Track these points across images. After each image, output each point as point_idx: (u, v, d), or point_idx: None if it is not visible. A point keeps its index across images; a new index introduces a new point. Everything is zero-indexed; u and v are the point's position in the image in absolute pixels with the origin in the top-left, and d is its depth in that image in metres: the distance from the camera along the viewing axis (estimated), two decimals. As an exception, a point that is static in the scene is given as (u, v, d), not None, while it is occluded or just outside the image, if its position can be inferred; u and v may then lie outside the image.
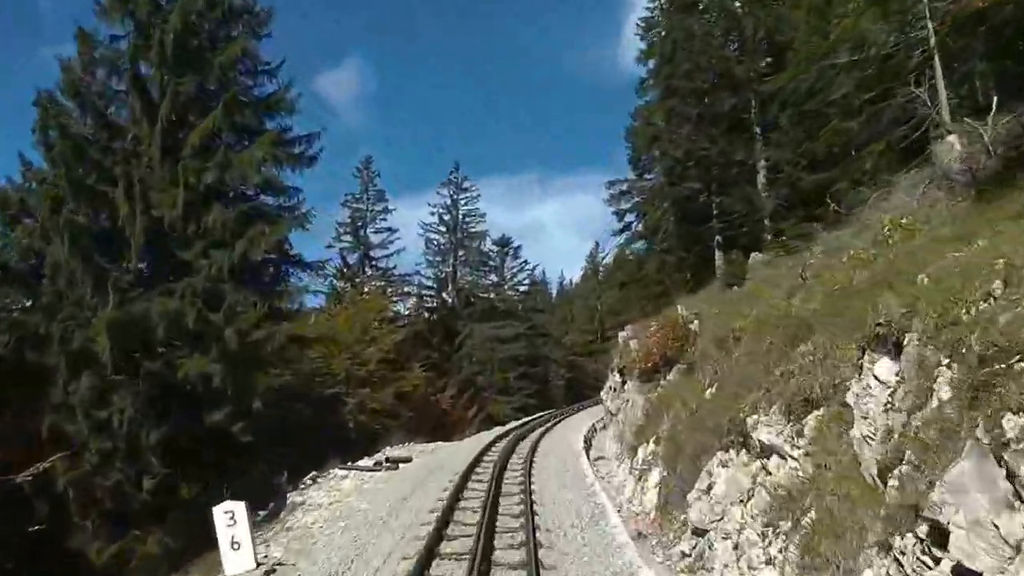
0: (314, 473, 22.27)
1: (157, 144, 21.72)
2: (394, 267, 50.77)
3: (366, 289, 47.77)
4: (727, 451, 9.59)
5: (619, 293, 55.78)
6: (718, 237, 28.14)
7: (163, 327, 20.18)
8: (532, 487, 15.99)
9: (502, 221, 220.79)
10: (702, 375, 14.71)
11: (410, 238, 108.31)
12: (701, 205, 28.71)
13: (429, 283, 56.81)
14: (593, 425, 30.65)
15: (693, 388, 14.62)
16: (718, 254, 28.09)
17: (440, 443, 33.63)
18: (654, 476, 14.01)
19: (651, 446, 15.51)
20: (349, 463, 23.81)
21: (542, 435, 28.88)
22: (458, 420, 49.84)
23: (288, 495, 19.56)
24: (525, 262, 66.07)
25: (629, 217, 36.50)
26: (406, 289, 51.25)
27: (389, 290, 49.12)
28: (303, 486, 20.92)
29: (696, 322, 17.83)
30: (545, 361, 79.29)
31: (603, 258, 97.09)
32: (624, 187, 35.27)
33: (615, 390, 24.32)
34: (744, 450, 9.07)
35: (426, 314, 56.50)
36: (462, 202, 58.54)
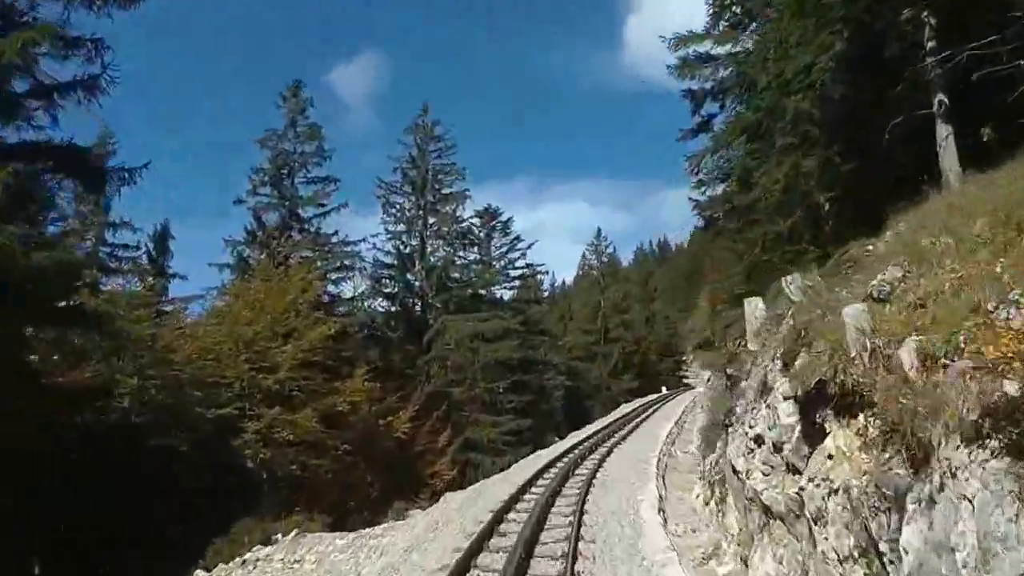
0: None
1: None
2: (333, 233, 35.42)
3: (290, 261, 32.39)
4: None
5: (685, 265, 41.24)
6: (942, 97, 13.28)
7: None
8: None
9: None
10: None
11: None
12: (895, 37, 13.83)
13: (388, 260, 41.46)
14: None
15: None
16: (943, 132, 13.20)
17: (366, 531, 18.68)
18: None
19: None
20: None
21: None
22: (423, 455, 34.59)
23: None
24: (518, 238, 51.04)
25: (711, 107, 21.70)
26: (349, 263, 35.75)
27: (323, 263, 33.68)
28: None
29: None
30: (541, 368, 64.71)
31: (606, 245, 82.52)
32: (706, 48, 20.34)
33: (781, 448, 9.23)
34: None
35: (383, 302, 41.13)
36: (433, 155, 43.39)
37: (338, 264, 34.74)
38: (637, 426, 35.33)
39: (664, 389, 77.08)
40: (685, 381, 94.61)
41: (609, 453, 25.28)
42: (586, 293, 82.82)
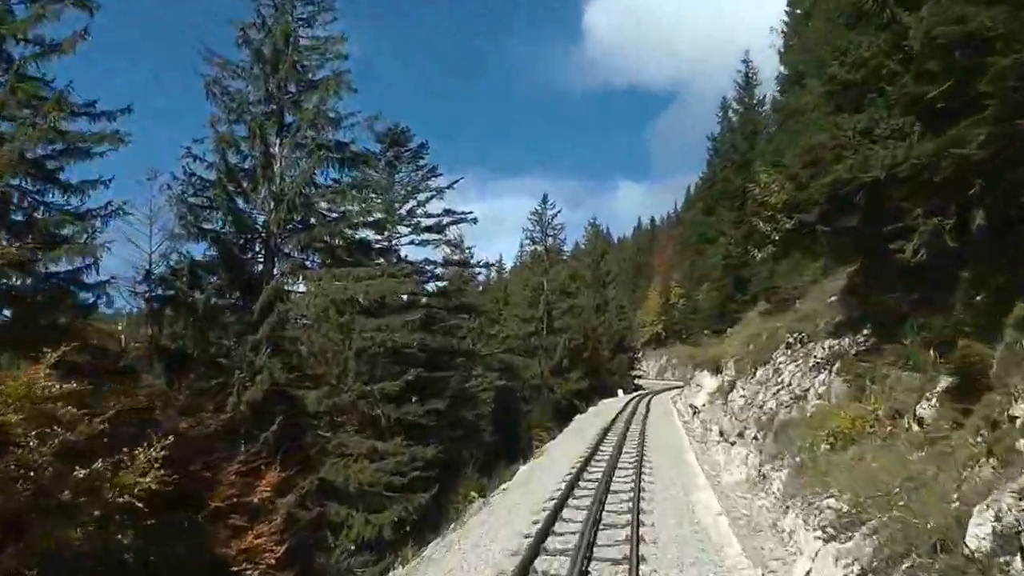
0: None
1: None
2: (66, 85, 18.38)
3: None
4: None
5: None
6: None
7: None
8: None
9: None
10: None
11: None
12: None
13: (203, 174, 24.64)
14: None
15: None
16: None
17: None
18: None
19: None
20: None
21: None
22: (223, 516, 18.15)
23: None
24: (433, 170, 34.88)
25: None
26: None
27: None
28: None
29: None
30: (463, 362, 49.41)
31: (554, 215, 66.90)
32: None
33: None
34: None
35: (187, 247, 24.06)
36: (298, 17, 26.85)
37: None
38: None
39: (621, 392, 62.15)
40: (637, 381, 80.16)
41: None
42: (526, 272, 67.21)
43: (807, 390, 17.71)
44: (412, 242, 35.29)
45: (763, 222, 29.53)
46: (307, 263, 26.78)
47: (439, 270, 34.67)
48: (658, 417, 34.13)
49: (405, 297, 26.79)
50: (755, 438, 18.43)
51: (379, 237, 34.09)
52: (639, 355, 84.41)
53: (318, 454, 23.72)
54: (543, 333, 63.31)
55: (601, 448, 24.75)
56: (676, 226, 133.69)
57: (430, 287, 35.04)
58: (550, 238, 65.56)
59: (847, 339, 17.94)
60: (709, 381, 29.46)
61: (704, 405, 28.22)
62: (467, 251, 44.78)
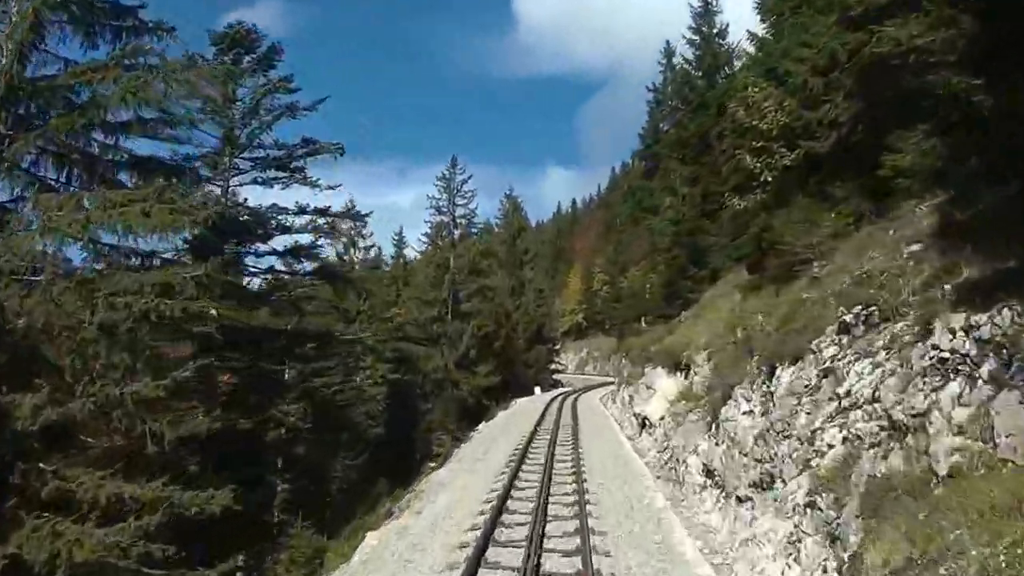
0: None
1: None
2: None
3: None
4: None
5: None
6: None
7: None
8: None
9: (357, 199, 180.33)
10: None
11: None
12: None
13: None
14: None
15: None
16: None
17: None
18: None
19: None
20: None
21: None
22: None
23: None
24: (286, 81, 24.58)
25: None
26: None
27: None
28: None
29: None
30: (347, 352, 41.26)
31: (464, 180, 57.21)
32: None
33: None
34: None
35: None
36: None
37: None
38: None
39: (538, 390, 53.25)
40: (556, 376, 71.57)
41: None
42: (431, 250, 57.32)
43: (924, 413, 8.89)
44: (256, 181, 25.07)
45: (750, 156, 20.87)
46: (52, 181, 16.54)
47: (292, 220, 24.47)
48: (593, 431, 25.06)
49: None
50: (809, 505, 9.54)
51: (210, 174, 24.07)
52: (558, 346, 75.92)
53: (20, 506, 13.56)
54: (448, 318, 53.78)
55: (516, 491, 15.40)
56: (600, 208, 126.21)
57: (280, 245, 24.85)
58: (459, 207, 55.98)
59: (995, 315, 9.11)
60: (666, 383, 20.71)
61: (663, 419, 19.36)
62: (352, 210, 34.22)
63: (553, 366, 70.61)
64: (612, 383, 54.74)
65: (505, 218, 67.38)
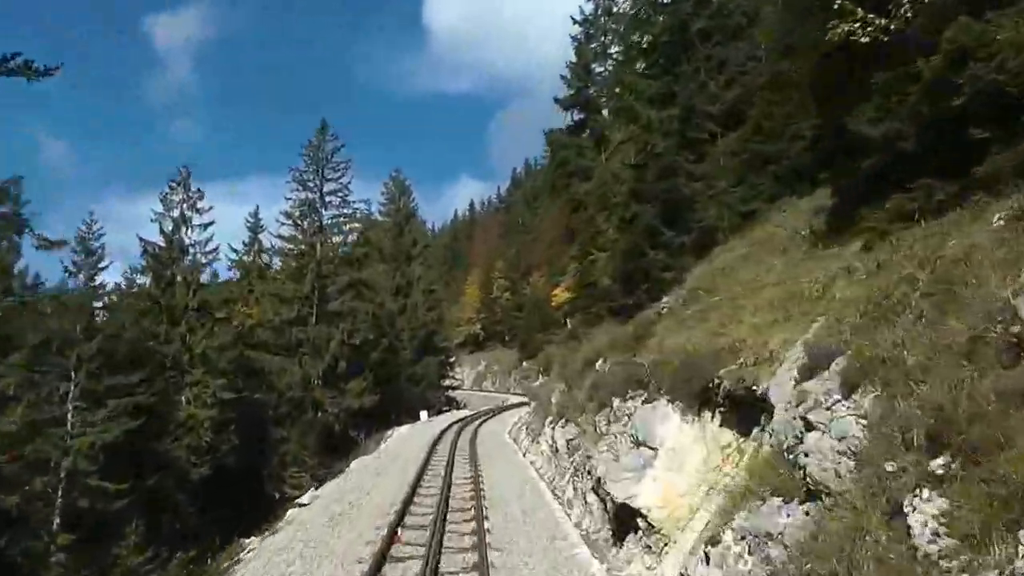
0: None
1: None
2: None
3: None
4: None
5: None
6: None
7: None
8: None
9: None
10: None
11: None
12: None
13: None
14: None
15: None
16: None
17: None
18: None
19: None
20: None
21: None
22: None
23: None
24: None
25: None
26: None
27: None
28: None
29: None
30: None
31: (335, 148, 45.03)
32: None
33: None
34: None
35: None
36: None
37: None
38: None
39: (425, 415, 41.46)
40: (452, 392, 59.92)
41: None
42: (290, 236, 44.55)
43: None
44: None
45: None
46: None
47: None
48: (516, 537, 13.27)
49: None
50: None
51: None
52: (453, 359, 64.37)
53: None
54: (311, 320, 41.47)
55: None
56: (500, 211, 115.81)
57: None
58: (330, 181, 43.76)
59: None
60: (683, 437, 9.74)
61: (711, 546, 8.28)
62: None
63: (447, 382, 58.94)
64: (518, 404, 43.76)
65: (391, 202, 55.41)
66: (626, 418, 11.33)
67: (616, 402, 12.40)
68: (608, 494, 10.36)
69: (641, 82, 21.31)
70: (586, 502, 11.95)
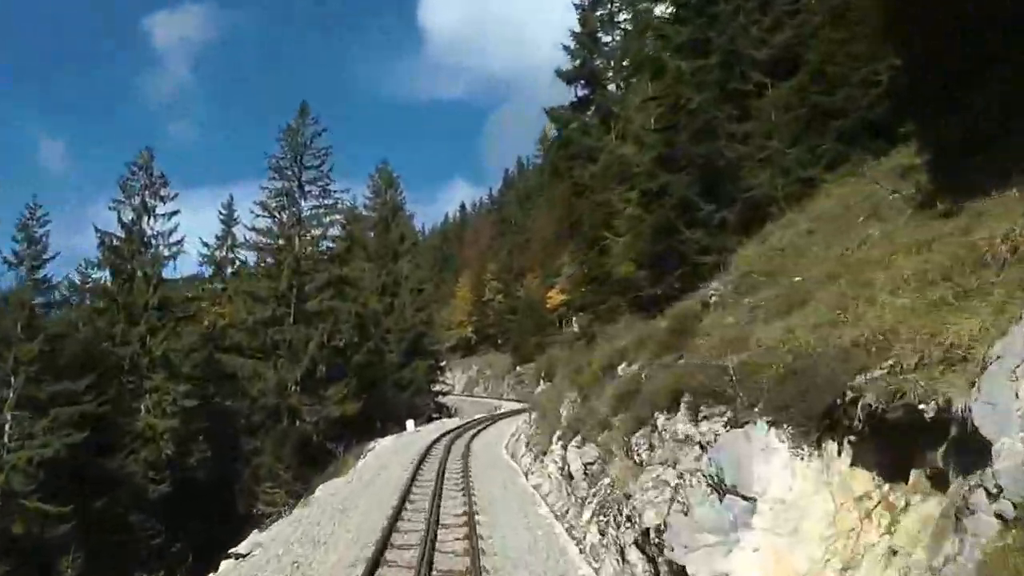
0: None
1: None
2: None
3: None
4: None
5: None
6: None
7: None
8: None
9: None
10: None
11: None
12: None
13: None
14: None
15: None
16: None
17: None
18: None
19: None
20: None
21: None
22: None
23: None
24: None
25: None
26: None
27: None
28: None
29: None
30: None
31: (316, 133, 41.56)
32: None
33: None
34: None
35: None
36: None
37: None
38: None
39: (411, 424, 37.78)
40: (442, 398, 56.33)
41: None
42: (266, 228, 40.96)
43: None
44: None
45: None
46: None
47: None
48: None
49: None
50: None
51: None
52: (443, 363, 60.78)
53: None
54: (289, 321, 37.90)
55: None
56: (492, 211, 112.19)
57: None
58: (309, 170, 40.28)
59: None
60: (781, 473, 6.37)
61: None
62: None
63: (437, 387, 55.34)
64: (513, 411, 40.27)
65: (377, 196, 51.85)
66: (675, 443, 7.88)
67: (661, 419, 8.95)
68: (672, 563, 6.83)
69: (667, 27, 17.97)
70: (624, 560, 8.41)
